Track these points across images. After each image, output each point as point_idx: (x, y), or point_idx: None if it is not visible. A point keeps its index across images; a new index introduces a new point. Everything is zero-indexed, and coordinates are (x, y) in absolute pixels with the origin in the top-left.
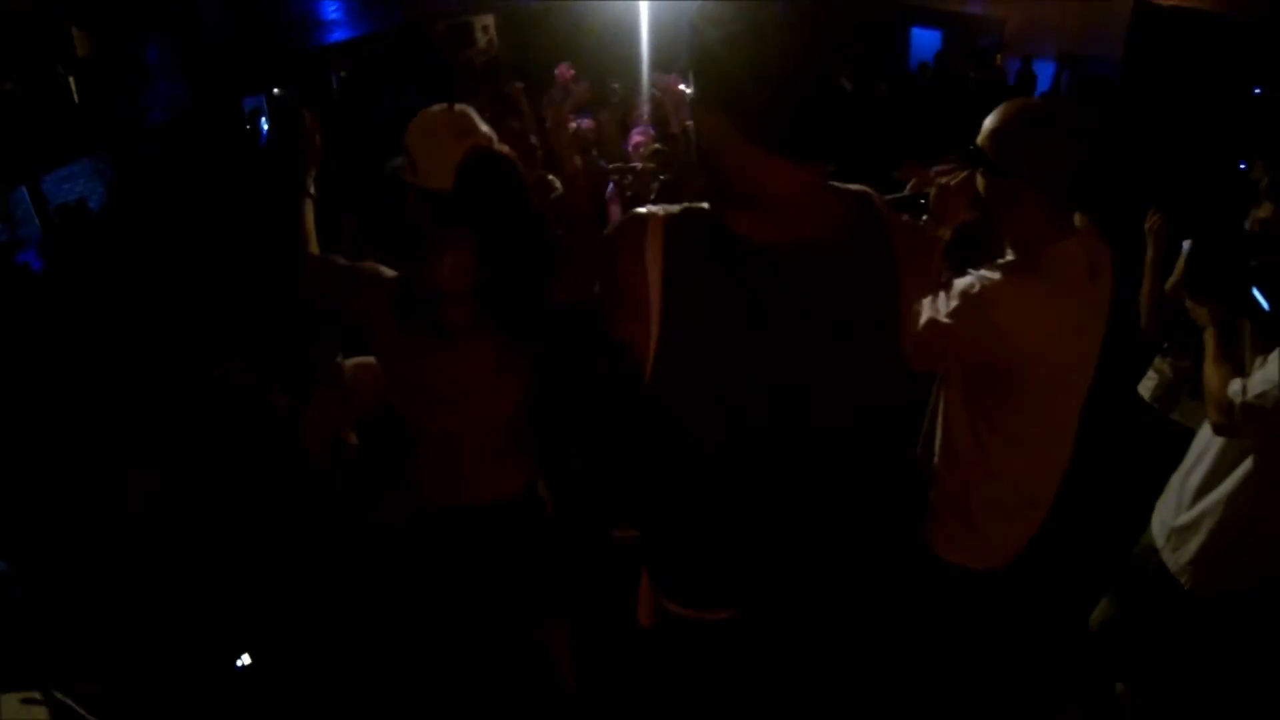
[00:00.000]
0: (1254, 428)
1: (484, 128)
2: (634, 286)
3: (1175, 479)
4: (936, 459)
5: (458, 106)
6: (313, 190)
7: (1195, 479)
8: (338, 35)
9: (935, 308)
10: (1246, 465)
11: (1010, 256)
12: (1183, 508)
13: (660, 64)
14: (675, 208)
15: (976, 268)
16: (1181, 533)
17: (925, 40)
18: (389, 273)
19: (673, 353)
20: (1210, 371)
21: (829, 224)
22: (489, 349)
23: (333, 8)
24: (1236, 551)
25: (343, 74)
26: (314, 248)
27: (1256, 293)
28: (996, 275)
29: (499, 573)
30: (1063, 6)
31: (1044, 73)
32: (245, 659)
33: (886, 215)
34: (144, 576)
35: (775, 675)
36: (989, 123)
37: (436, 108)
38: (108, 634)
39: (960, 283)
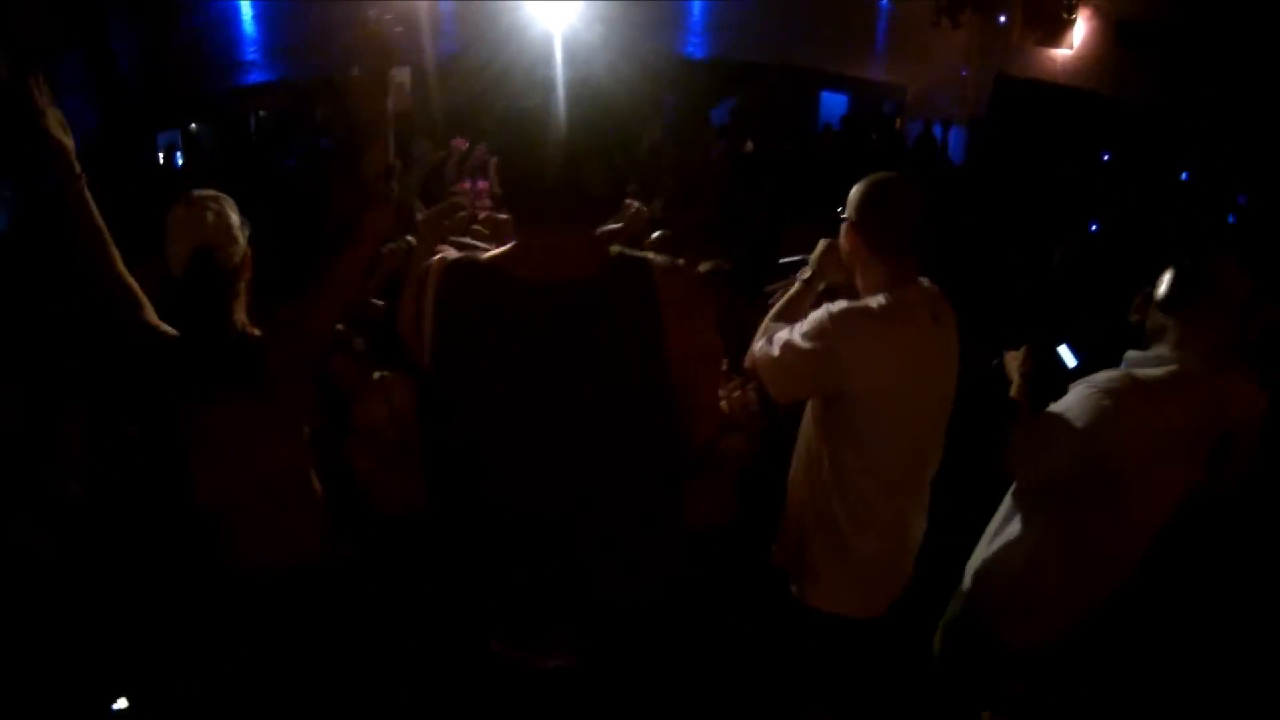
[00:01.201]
0: (1018, 457)
1: (221, 220)
2: (416, 319)
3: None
4: (802, 508)
5: (198, 195)
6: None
7: (993, 525)
8: (255, 77)
9: (792, 335)
10: (1024, 512)
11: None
12: (979, 554)
13: None
14: (462, 255)
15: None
16: (974, 572)
17: (834, 104)
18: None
19: (445, 366)
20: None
21: (591, 267)
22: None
23: (251, 49)
24: (1019, 597)
25: (261, 114)
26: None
27: (1063, 351)
28: (845, 306)
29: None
30: (957, 75)
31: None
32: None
33: (654, 264)
34: None
35: None
36: (851, 192)
37: (180, 202)
38: None
39: (815, 314)
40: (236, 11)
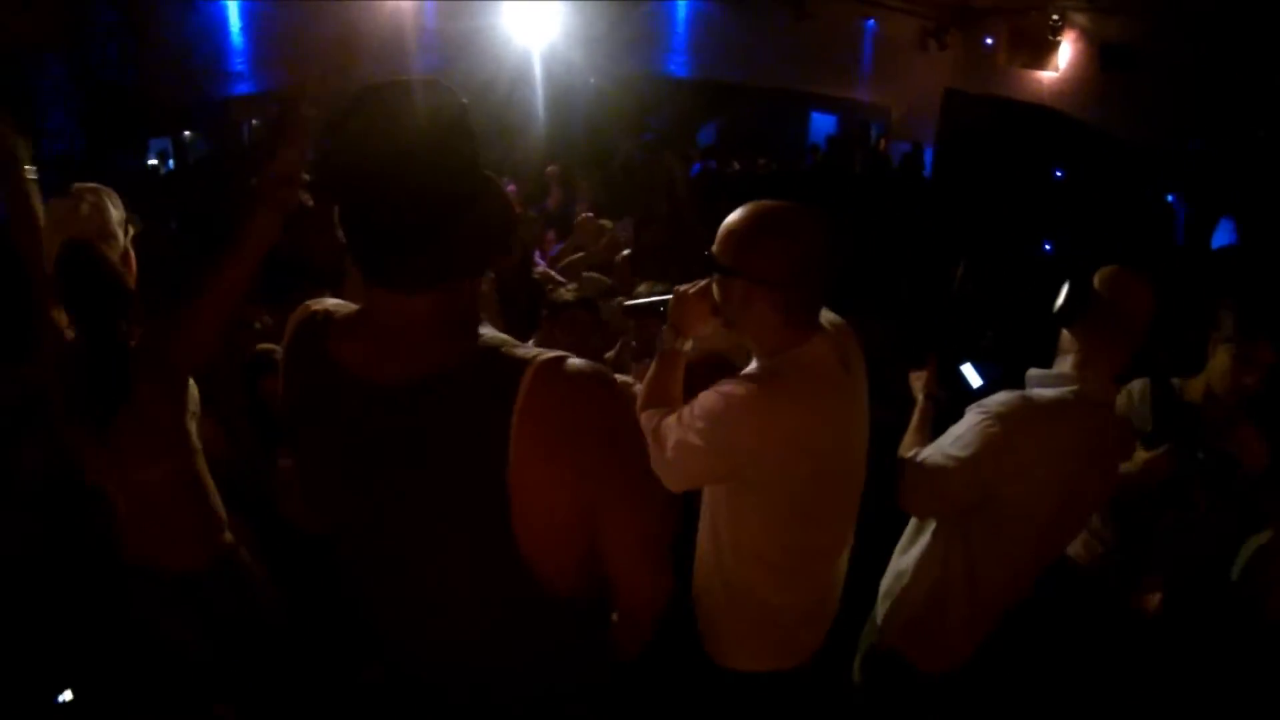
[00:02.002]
0: (910, 489)
1: (96, 214)
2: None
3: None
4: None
5: (76, 187)
6: None
7: (898, 551)
8: (243, 88)
9: (683, 428)
10: (924, 537)
11: (754, 366)
12: (885, 581)
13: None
14: (322, 308)
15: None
16: (883, 598)
17: (824, 125)
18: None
19: (292, 435)
20: (907, 439)
21: (443, 361)
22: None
23: (239, 60)
24: (923, 622)
25: (254, 123)
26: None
27: (967, 370)
28: (740, 390)
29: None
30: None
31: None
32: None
33: (530, 364)
34: None
35: None
36: (722, 226)
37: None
38: None
39: (705, 400)
40: (225, 22)
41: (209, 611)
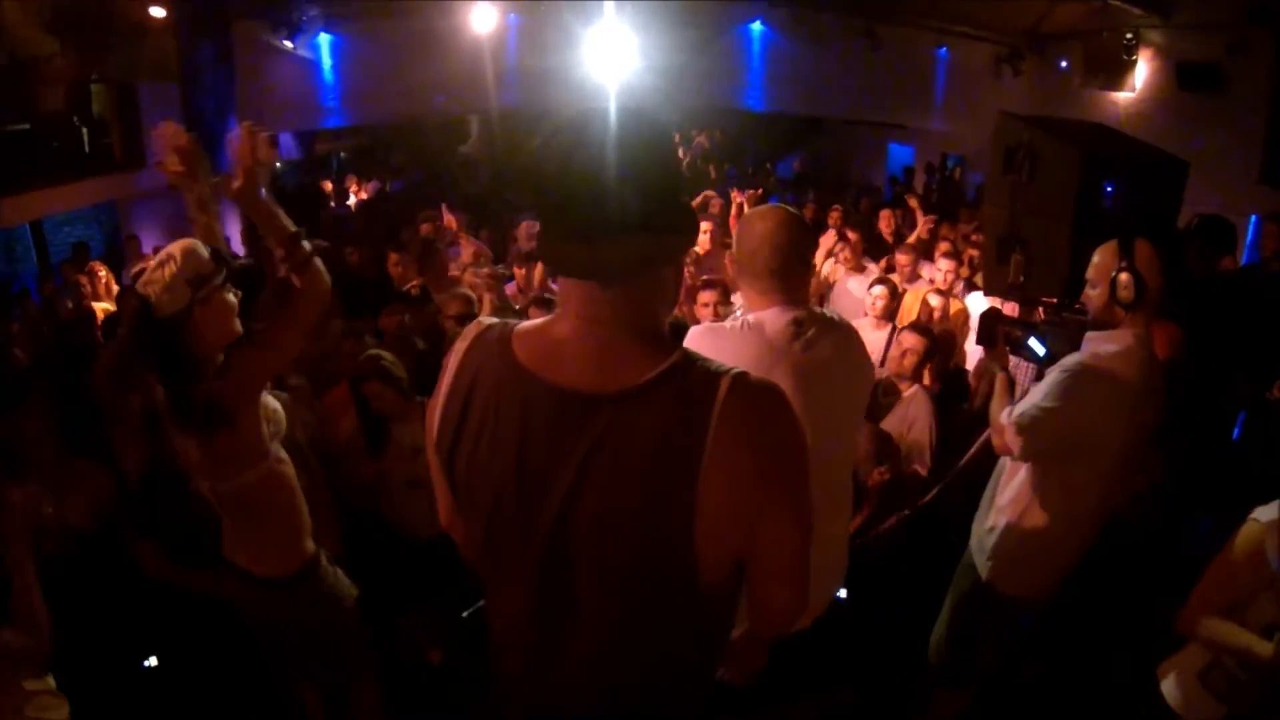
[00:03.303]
0: (1015, 440)
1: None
2: (443, 373)
3: (984, 497)
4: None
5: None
6: None
7: (991, 493)
8: (333, 121)
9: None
10: (1021, 474)
11: None
12: (984, 516)
13: None
14: (499, 322)
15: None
16: (983, 536)
17: (902, 156)
18: None
19: (448, 447)
20: (994, 405)
21: (638, 373)
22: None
23: (329, 95)
24: (1020, 545)
25: (342, 154)
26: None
27: (1034, 342)
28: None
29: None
30: None
31: None
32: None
33: (724, 379)
34: None
35: None
36: None
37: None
38: None
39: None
40: (317, 59)
41: (291, 615)
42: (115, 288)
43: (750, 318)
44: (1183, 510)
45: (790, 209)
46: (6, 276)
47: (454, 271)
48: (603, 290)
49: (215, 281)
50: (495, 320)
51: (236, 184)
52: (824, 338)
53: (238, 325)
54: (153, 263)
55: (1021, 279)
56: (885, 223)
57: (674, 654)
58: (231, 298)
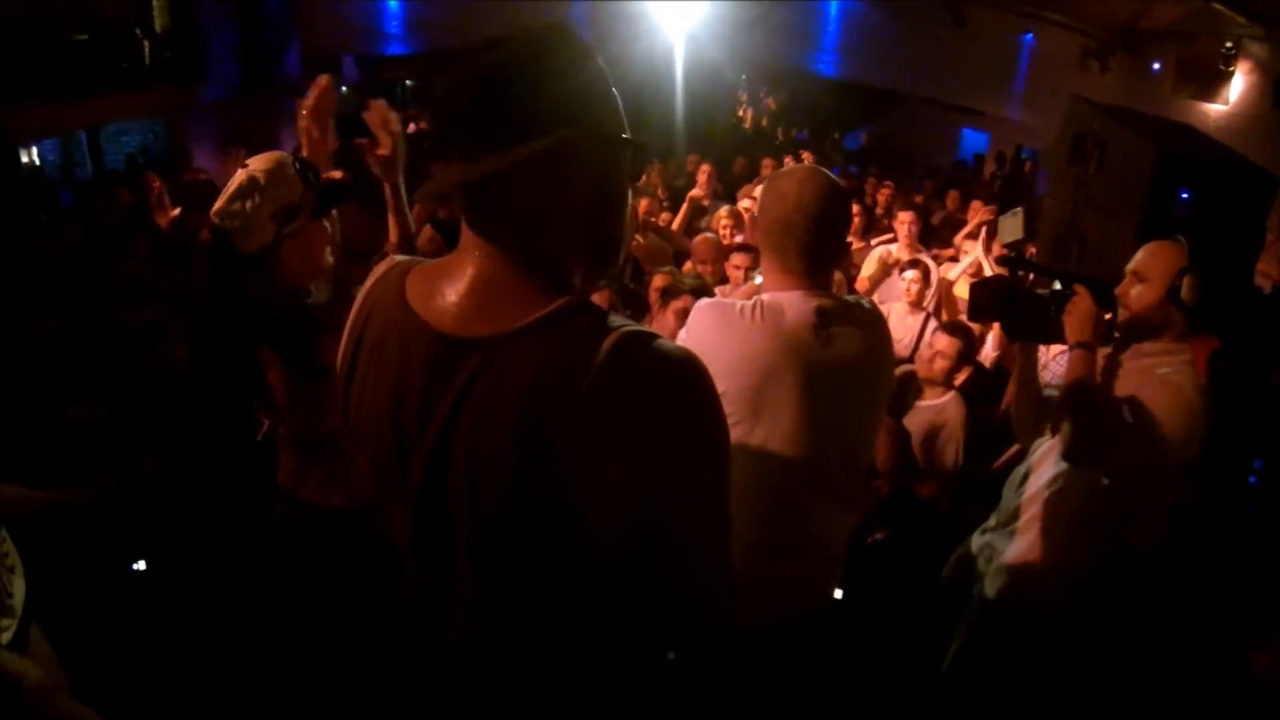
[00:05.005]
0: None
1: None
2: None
3: (1004, 508)
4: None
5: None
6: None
7: (1013, 504)
8: (396, 49)
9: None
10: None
11: None
12: (997, 529)
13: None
14: (407, 259)
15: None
16: (995, 549)
17: (976, 142)
18: None
19: (342, 379)
20: (1022, 392)
21: (524, 314)
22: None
23: (393, 22)
24: (1042, 561)
25: (408, 84)
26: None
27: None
28: (702, 303)
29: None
30: None
31: None
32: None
33: (614, 329)
34: None
35: None
36: None
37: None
38: None
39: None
40: None
41: (347, 550)
42: (167, 200)
43: (767, 299)
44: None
45: (828, 173)
46: (62, 184)
47: None
48: (485, 220)
49: (304, 212)
50: (405, 257)
51: (382, 152)
52: (849, 333)
53: (329, 257)
54: (233, 186)
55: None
56: (973, 213)
57: (562, 620)
58: (325, 225)
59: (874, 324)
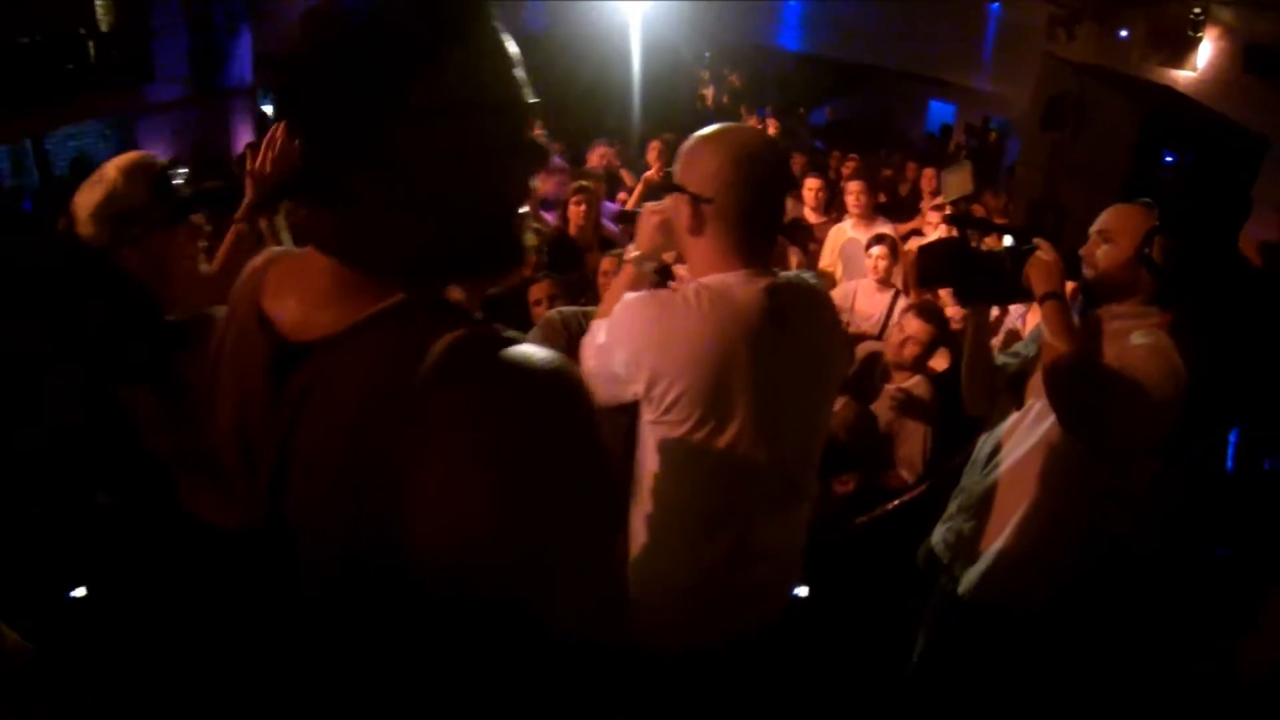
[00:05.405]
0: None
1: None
2: None
3: (967, 494)
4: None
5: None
6: None
7: (978, 490)
8: None
9: (591, 334)
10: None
11: None
12: (963, 515)
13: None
14: (283, 251)
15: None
16: (961, 537)
17: (943, 114)
18: None
19: (209, 391)
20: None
21: (340, 320)
22: None
23: None
24: (1019, 549)
25: None
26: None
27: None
28: (636, 299)
29: None
30: None
31: None
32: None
33: (447, 332)
34: None
35: None
36: (685, 147)
37: None
38: None
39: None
40: None
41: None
42: None
43: (709, 282)
44: (1194, 535)
45: (759, 130)
46: (11, 193)
47: None
48: (321, 204)
49: (148, 221)
50: (281, 249)
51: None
52: (800, 312)
53: (201, 268)
54: (93, 176)
55: None
56: (926, 181)
57: (413, 666)
58: (186, 235)
59: (822, 301)
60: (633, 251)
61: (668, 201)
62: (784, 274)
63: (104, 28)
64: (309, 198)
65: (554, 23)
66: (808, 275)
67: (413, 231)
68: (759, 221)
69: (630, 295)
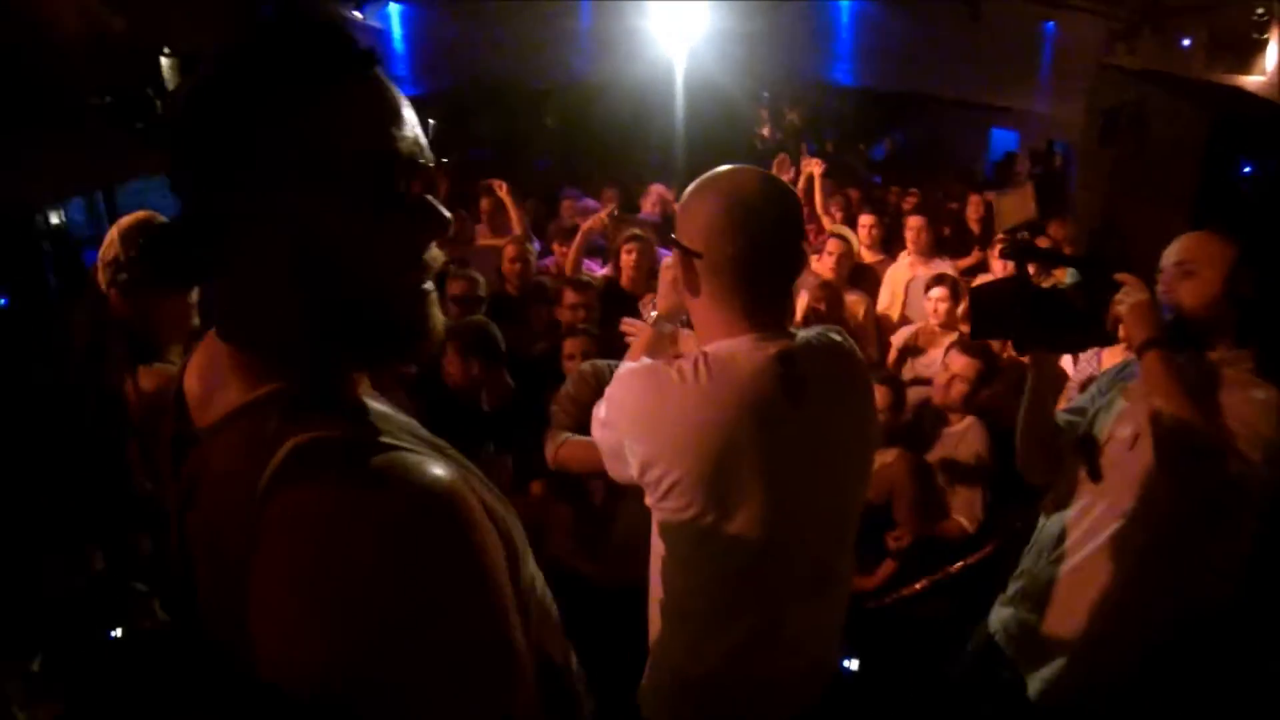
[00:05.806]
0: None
1: None
2: None
3: (1030, 571)
4: None
5: None
6: None
7: (1043, 564)
8: (405, 91)
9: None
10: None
11: None
12: (1027, 599)
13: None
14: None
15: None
16: (1026, 627)
17: (1006, 142)
18: None
19: None
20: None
21: (202, 412)
22: None
23: (400, 64)
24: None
25: (431, 122)
26: None
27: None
28: (634, 368)
29: None
30: None
31: None
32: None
33: (272, 463)
34: None
35: None
36: (684, 198)
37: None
38: None
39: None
40: (386, 27)
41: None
42: None
43: (711, 351)
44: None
45: (765, 173)
46: (86, 242)
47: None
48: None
49: (129, 273)
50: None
51: None
52: (822, 378)
53: (191, 320)
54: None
55: None
56: (974, 209)
57: None
58: (179, 290)
59: (850, 362)
60: (651, 311)
61: (671, 258)
62: (803, 334)
63: (170, 88)
64: (172, 274)
65: (599, 70)
66: (834, 333)
67: (284, 305)
68: (763, 276)
69: (625, 367)
